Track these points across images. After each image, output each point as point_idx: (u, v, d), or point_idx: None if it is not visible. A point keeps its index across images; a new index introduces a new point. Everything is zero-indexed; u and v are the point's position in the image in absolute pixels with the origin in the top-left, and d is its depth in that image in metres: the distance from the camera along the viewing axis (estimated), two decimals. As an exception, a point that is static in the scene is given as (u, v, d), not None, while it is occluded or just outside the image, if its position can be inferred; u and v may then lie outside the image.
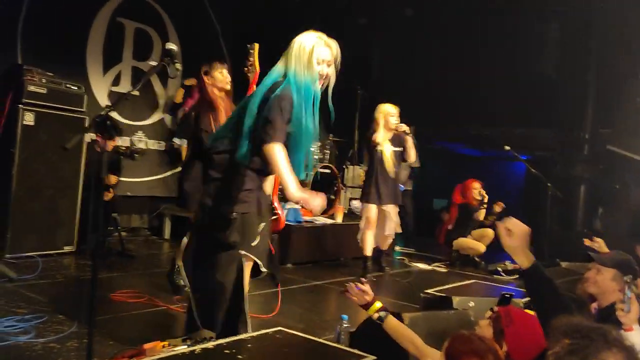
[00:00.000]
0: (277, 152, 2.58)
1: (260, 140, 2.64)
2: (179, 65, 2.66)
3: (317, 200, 2.62)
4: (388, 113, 5.73)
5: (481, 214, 6.96)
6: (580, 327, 1.39)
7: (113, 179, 5.57)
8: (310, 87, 2.74)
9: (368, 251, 5.72)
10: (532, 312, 2.34)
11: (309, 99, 2.74)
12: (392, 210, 5.76)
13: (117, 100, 2.63)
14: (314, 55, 2.75)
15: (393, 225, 5.81)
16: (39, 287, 4.15)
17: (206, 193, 2.88)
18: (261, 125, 2.65)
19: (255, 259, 2.87)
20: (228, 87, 4.22)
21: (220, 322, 2.84)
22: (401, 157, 5.76)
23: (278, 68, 2.82)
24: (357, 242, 5.85)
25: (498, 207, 6.94)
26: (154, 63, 2.63)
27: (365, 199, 5.80)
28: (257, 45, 3.66)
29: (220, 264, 2.82)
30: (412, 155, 5.75)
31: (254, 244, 2.85)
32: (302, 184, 2.69)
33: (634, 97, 7.18)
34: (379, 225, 5.78)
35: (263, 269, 2.92)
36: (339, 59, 2.86)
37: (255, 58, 3.65)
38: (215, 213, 2.82)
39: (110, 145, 5.30)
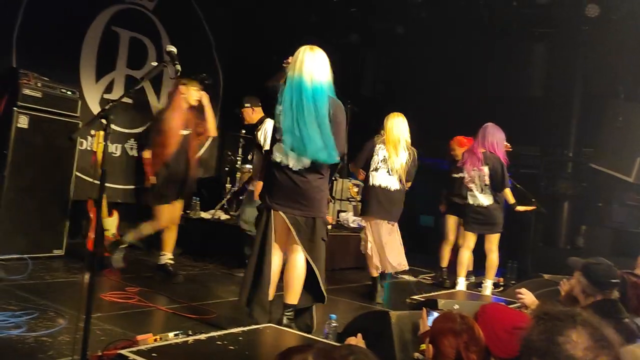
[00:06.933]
0: None
1: None
2: (179, 67, 2.74)
3: None
4: None
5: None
6: (550, 310, 1.48)
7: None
8: None
9: None
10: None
11: None
12: None
13: (121, 97, 2.71)
14: None
15: None
16: (29, 287, 4.17)
17: None
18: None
19: None
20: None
21: None
22: None
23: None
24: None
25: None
26: (154, 64, 2.72)
27: None
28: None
29: None
30: None
31: None
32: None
33: (616, 116, 7.37)
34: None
35: None
36: None
37: None
38: None
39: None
